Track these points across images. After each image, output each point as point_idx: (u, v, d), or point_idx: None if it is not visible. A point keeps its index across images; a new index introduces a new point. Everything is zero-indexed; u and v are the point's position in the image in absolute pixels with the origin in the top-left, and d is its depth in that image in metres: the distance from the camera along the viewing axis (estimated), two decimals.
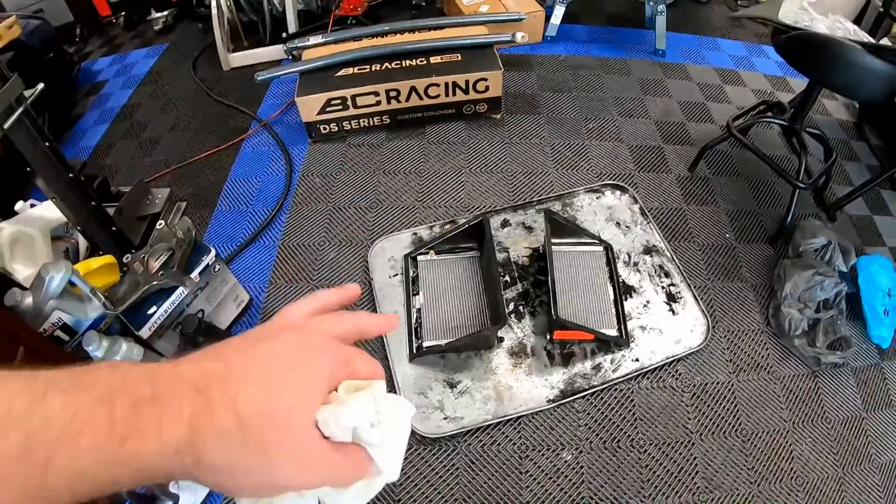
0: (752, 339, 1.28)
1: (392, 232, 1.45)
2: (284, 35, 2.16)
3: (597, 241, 1.37)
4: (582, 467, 1.07)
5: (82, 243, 1.33)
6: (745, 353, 1.25)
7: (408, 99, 1.70)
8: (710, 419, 1.15)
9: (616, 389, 1.17)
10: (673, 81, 2.04)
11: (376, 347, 1.21)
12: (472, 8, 2.14)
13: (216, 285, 1.17)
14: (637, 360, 1.20)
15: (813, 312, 1.25)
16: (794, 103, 1.55)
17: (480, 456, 1.08)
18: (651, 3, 2.12)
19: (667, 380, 1.19)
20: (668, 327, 1.25)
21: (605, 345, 1.20)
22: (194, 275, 1.08)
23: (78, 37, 2.57)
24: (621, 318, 1.23)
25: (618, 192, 1.56)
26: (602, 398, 1.16)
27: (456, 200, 1.55)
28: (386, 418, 0.32)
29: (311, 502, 0.33)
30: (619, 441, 1.11)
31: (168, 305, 1.03)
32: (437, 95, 1.71)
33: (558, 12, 2.11)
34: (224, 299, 1.21)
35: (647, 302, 1.30)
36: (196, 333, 1.04)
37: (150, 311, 1.01)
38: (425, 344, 1.19)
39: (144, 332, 1.00)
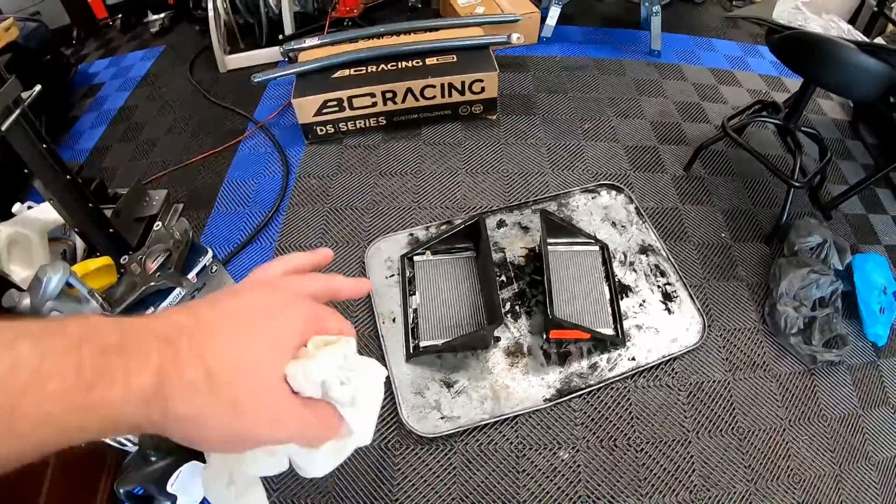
0: (748, 338, 1.28)
1: (388, 233, 1.46)
2: (281, 37, 2.15)
3: (593, 241, 1.37)
4: (579, 466, 1.07)
5: (80, 245, 1.33)
6: (742, 351, 1.26)
7: (404, 100, 1.70)
8: (707, 417, 1.15)
9: (612, 388, 1.17)
10: (668, 82, 2.05)
11: (373, 348, 1.22)
12: (467, 9, 2.14)
13: (213, 286, 1.16)
14: (633, 359, 1.20)
15: (809, 311, 1.26)
16: (789, 103, 1.56)
17: (477, 455, 1.08)
18: (646, 4, 2.13)
19: (663, 378, 1.20)
20: (664, 326, 1.26)
21: (602, 344, 1.21)
22: (191, 276, 1.07)
23: (75, 39, 2.57)
24: (617, 317, 1.24)
25: (613, 192, 1.56)
26: (598, 397, 1.16)
27: (452, 201, 1.56)
28: (357, 377, 0.31)
29: (282, 461, 0.33)
30: (615, 440, 1.11)
31: (165, 306, 1.03)
32: (433, 97, 1.71)
33: (553, 13, 2.12)
34: None
35: (643, 301, 1.30)
36: None
37: (148, 313, 1.01)
38: (422, 344, 1.20)
39: None
